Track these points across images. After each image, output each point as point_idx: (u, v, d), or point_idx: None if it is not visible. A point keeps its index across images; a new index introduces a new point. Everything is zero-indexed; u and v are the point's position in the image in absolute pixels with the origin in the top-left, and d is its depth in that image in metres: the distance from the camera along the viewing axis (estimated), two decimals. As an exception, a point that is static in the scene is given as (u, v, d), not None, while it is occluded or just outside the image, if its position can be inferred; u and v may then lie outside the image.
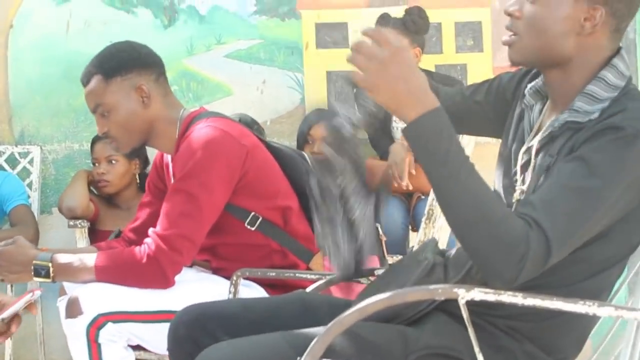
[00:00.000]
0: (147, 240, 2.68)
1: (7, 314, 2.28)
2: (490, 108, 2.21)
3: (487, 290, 1.70)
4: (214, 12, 4.68)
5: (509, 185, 2.06)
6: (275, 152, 2.93)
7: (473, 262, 1.91)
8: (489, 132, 2.30)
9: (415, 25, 4.20)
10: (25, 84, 4.66)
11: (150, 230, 2.70)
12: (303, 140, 4.30)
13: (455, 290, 1.70)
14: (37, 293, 2.35)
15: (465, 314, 1.68)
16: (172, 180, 2.93)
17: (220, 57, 4.68)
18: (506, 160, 2.11)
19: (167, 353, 2.68)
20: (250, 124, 2.94)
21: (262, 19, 4.68)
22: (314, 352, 1.76)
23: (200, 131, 2.75)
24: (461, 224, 1.80)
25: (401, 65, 1.79)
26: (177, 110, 2.92)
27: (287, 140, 4.34)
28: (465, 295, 1.68)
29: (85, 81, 2.90)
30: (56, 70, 4.65)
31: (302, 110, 4.62)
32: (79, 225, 4.07)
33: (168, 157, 2.99)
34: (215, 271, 2.92)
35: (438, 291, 1.73)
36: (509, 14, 1.98)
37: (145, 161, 4.27)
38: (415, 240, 2.67)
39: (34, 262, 2.71)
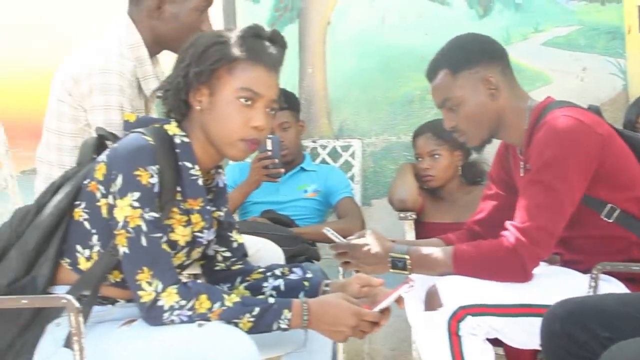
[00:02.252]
0: (505, 233, 2.65)
1: (384, 304, 2.33)
2: None
3: None
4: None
5: None
6: (629, 140, 2.83)
7: None
8: None
9: None
10: (342, 79, 4.76)
11: (508, 223, 2.67)
12: (631, 128, 4.14)
13: None
14: (412, 284, 2.38)
15: None
16: (520, 172, 2.89)
17: (537, 45, 4.59)
18: None
19: (525, 347, 2.68)
20: (600, 112, 2.85)
21: (581, 4, 4.55)
22: None
23: (556, 121, 2.69)
24: None
25: None
26: (524, 100, 2.88)
27: (611, 128, 4.19)
28: None
29: (432, 76, 2.90)
30: (372, 64, 4.72)
31: (624, 97, 4.46)
32: (409, 217, 4.12)
33: (513, 148, 2.96)
34: (567, 264, 2.85)
35: None
36: None
37: (467, 153, 4.26)
38: None
39: (391, 254, 2.74)
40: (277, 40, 2.42)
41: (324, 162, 4.63)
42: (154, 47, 2.96)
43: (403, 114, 4.69)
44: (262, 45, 2.38)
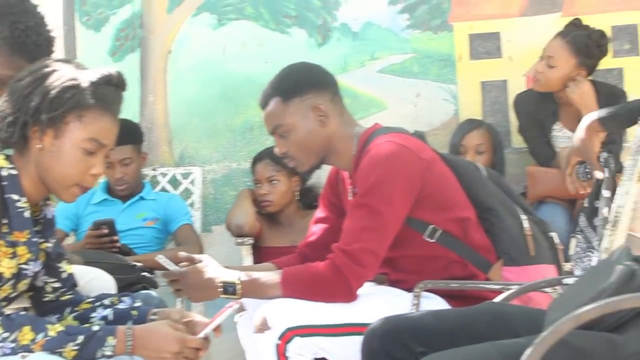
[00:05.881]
0: (331, 255, 2.73)
1: (207, 330, 2.37)
2: None
3: None
4: (367, 28, 4.73)
5: None
6: (451, 163, 2.95)
7: None
8: None
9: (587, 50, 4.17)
10: (183, 107, 4.81)
11: (334, 245, 2.75)
12: (455, 150, 4.30)
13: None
14: (235, 306, 2.43)
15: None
16: (349, 196, 2.99)
17: (373, 72, 4.72)
18: None
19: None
20: (424, 137, 2.97)
21: (415, 33, 4.70)
22: (530, 360, 1.78)
23: (381, 147, 2.80)
24: None
25: None
26: (352, 127, 2.98)
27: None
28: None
29: (264, 104, 2.97)
30: (213, 92, 4.79)
31: (456, 121, 4.61)
32: (246, 243, 4.17)
33: (343, 173, 3.05)
34: (393, 283, 2.96)
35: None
36: None
37: (304, 178, 4.34)
38: (601, 247, 2.66)
39: (222, 280, 2.78)
40: (122, 85, 2.44)
41: (164, 190, 4.64)
42: None
43: (243, 141, 4.76)
44: (112, 94, 2.40)
